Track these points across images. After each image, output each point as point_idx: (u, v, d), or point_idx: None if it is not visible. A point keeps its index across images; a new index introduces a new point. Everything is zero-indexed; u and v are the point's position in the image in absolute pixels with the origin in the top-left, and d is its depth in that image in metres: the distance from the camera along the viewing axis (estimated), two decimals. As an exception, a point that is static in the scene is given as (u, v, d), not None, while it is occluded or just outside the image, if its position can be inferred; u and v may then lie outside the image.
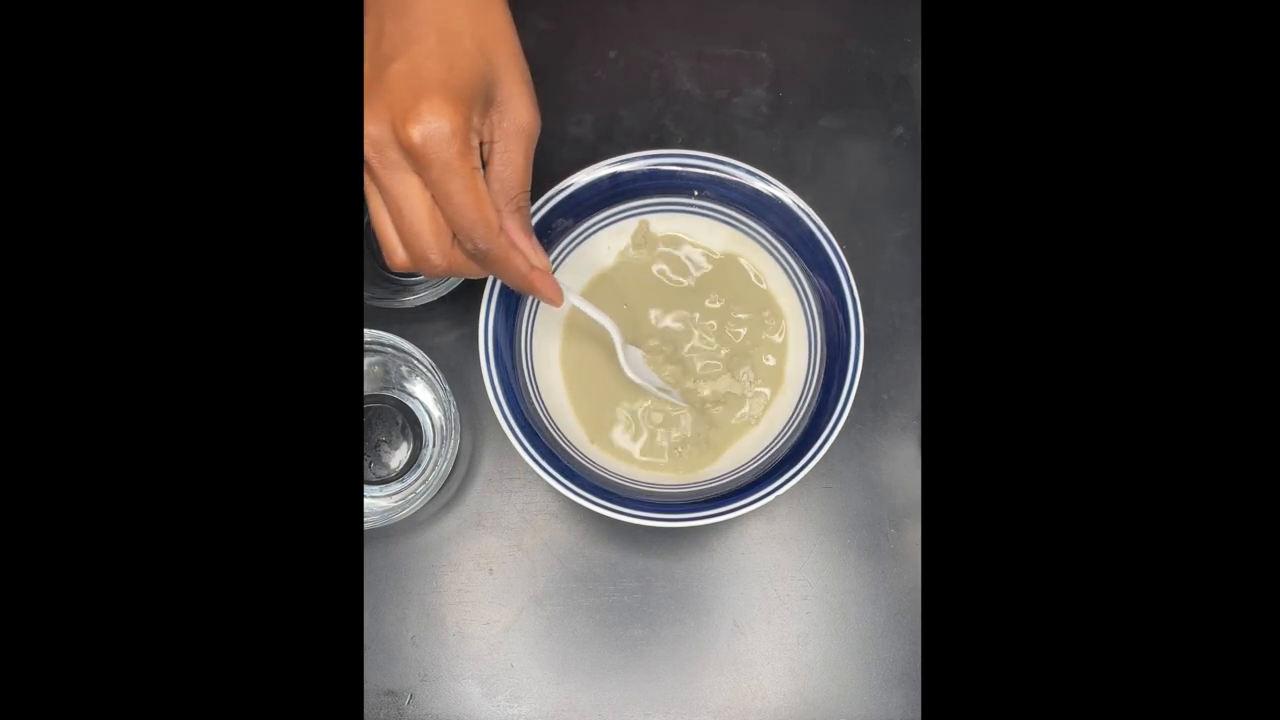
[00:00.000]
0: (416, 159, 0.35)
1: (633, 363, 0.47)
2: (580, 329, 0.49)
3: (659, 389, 0.48)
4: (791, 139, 0.54)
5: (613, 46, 0.55)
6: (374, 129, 0.35)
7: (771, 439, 0.47)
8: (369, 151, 0.36)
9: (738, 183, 0.47)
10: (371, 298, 0.48)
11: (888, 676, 0.49)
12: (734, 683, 0.49)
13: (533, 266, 0.41)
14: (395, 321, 0.50)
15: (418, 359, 0.47)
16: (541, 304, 0.48)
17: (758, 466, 0.46)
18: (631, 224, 0.49)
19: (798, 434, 0.46)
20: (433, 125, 0.35)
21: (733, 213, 0.48)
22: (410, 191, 0.36)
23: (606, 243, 0.49)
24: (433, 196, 0.37)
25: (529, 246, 0.40)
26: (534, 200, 0.47)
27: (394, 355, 0.48)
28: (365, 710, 0.48)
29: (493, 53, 0.38)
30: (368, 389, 0.51)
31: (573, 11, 0.56)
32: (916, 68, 0.55)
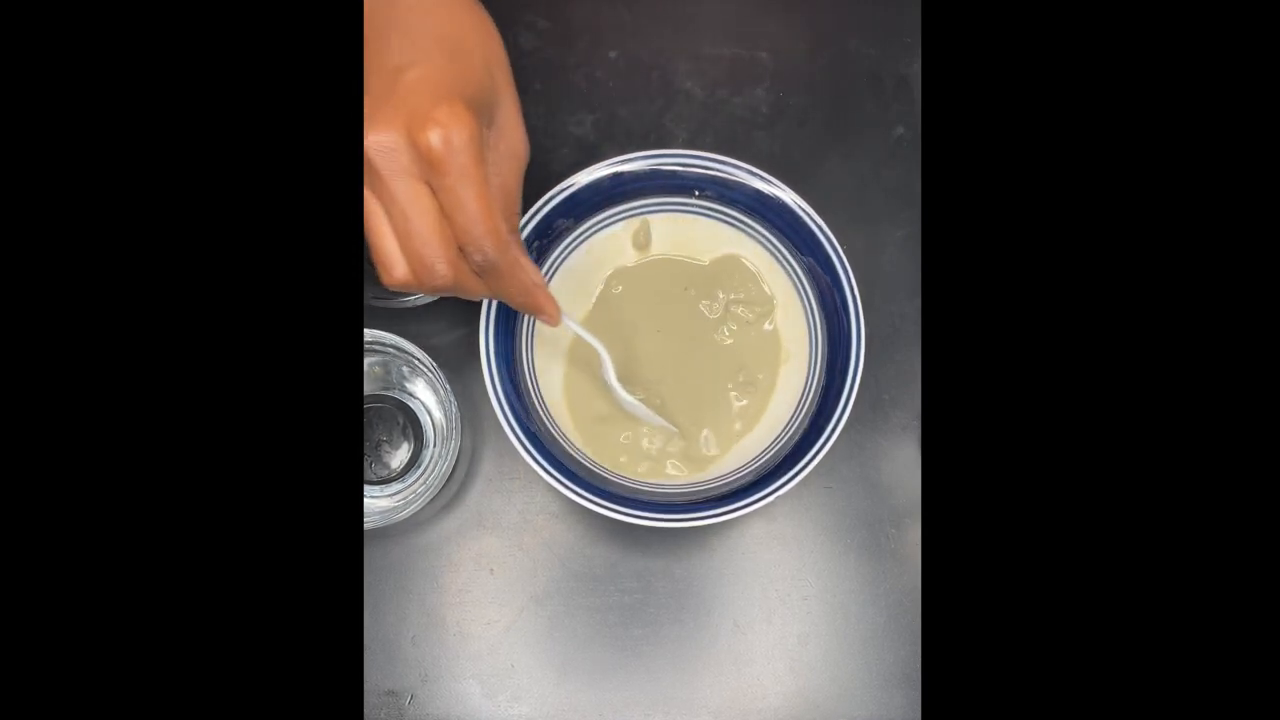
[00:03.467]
0: (432, 164, 0.35)
1: (620, 395, 0.47)
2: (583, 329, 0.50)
3: (648, 416, 0.48)
4: (791, 139, 0.54)
5: (613, 46, 0.55)
6: (385, 136, 0.34)
7: (771, 439, 0.47)
8: (378, 159, 0.35)
9: (738, 183, 0.47)
10: (371, 298, 0.48)
11: (888, 676, 0.49)
12: (734, 683, 0.49)
13: (534, 283, 0.40)
14: (395, 321, 0.50)
15: (418, 359, 0.47)
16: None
17: (758, 467, 0.46)
18: (632, 224, 0.49)
19: (798, 434, 0.46)
20: (452, 130, 0.34)
21: (733, 213, 0.48)
22: (419, 198, 0.35)
23: (604, 246, 0.49)
24: (442, 205, 0.36)
25: (529, 264, 0.40)
26: (534, 200, 0.47)
27: (394, 355, 0.48)
28: (365, 710, 0.48)
29: (496, 76, 0.39)
30: (368, 389, 0.51)
31: (573, 11, 0.56)
32: (916, 68, 0.55)
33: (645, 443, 0.48)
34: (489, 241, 0.36)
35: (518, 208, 0.40)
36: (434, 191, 0.36)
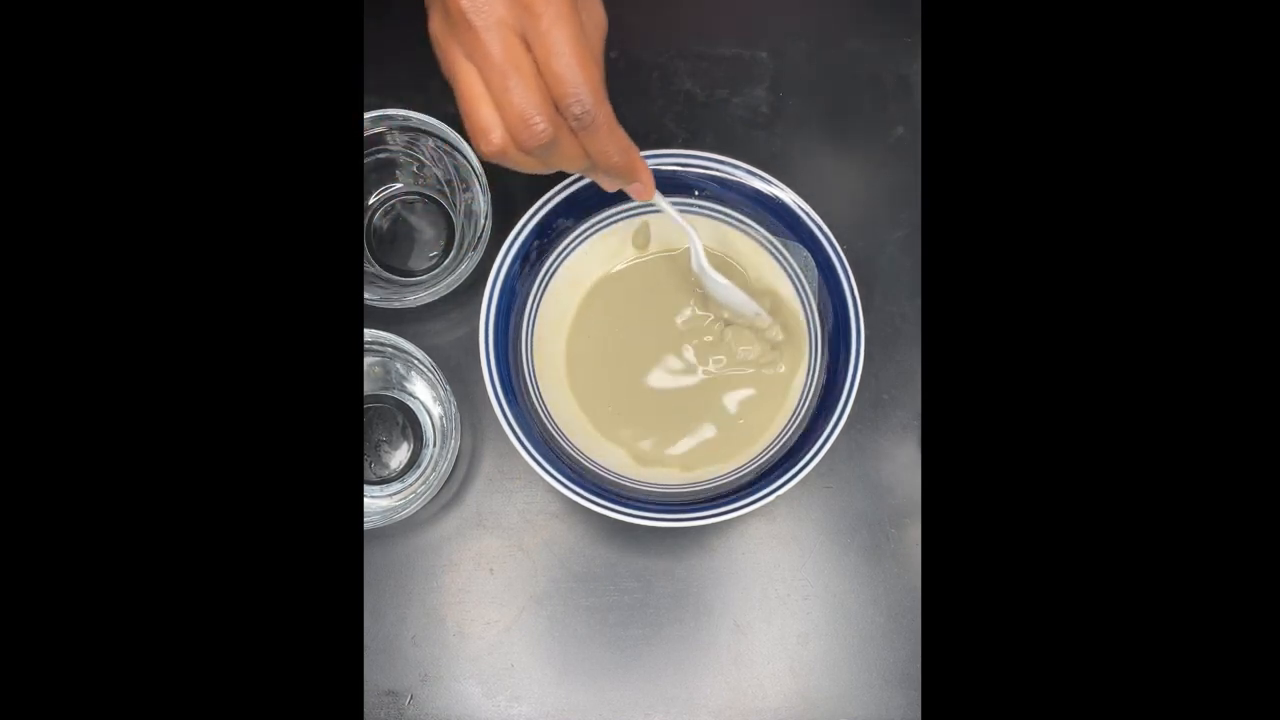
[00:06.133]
0: (528, 8, 0.34)
1: (712, 278, 0.47)
2: (583, 329, 0.50)
3: (741, 301, 0.47)
4: (791, 139, 0.54)
5: (613, 46, 0.55)
6: None
7: (772, 439, 0.47)
8: (472, 12, 0.34)
9: (738, 183, 0.47)
10: (371, 298, 0.48)
11: (888, 676, 0.49)
12: (734, 683, 0.49)
13: (631, 146, 0.39)
14: (395, 321, 0.50)
15: (418, 359, 0.47)
16: (543, 304, 0.48)
17: (758, 466, 0.46)
18: (632, 224, 0.49)
19: (798, 434, 0.46)
20: None
21: (733, 213, 0.48)
22: (516, 51, 0.35)
23: (604, 246, 0.49)
24: (537, 56, 0.35)
25: (623, 132, 0.39)
26: (534, 200, 0.47)
27: (394, 355, 0.48)
28: (365, 710, 0.48)
29: None
30: (368, 389, 0.51)
31: (573, 11, 0.56)
32: (916, 68, 0.55)
33: (644, 444, 0.48)
34: (586, 90, 0.36)
35: (604, 77, 0.39)
36: (529, 44, 0.35)
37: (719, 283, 0.47)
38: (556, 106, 0.36)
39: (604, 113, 0.37)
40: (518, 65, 0.35)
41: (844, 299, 0.46)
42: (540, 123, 0.35)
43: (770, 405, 0.49)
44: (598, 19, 0.39)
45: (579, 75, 0.35)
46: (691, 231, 0.46)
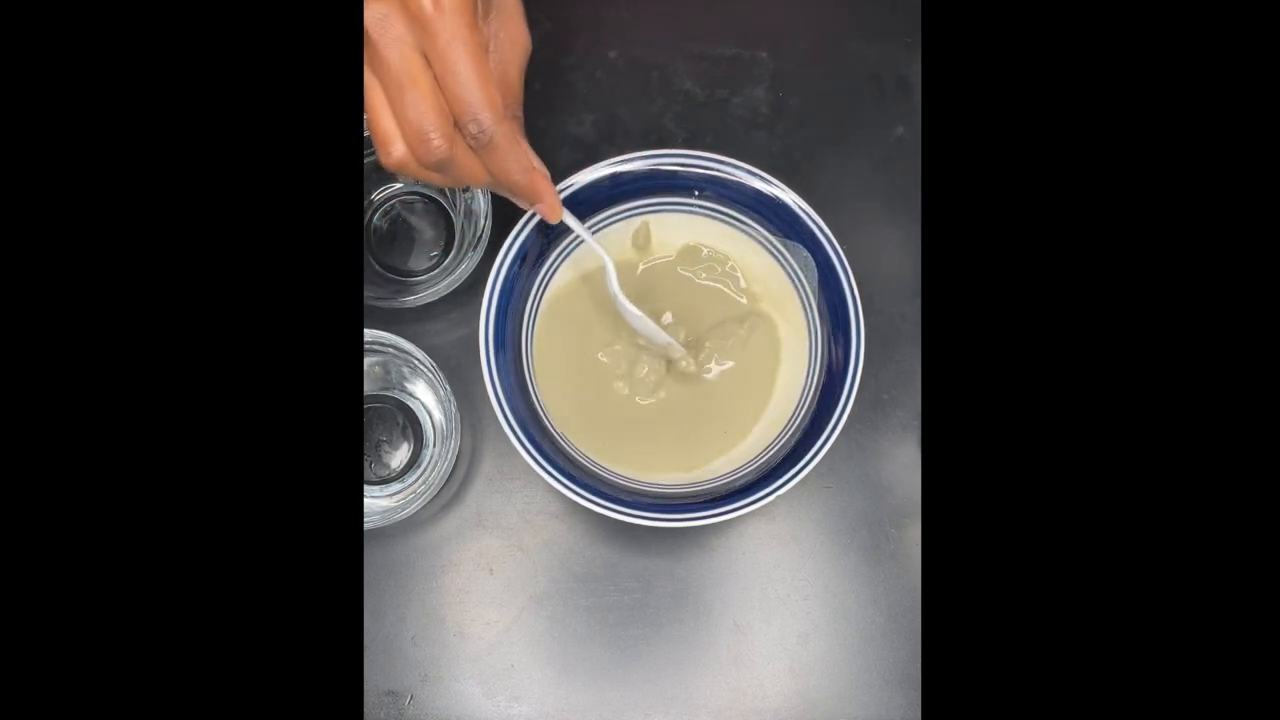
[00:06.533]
0: (424, 27, 0.34)
1: (625, 307, 0.47)
2: (577, 322, 0.50)
3: (653, 331, 0.47)
4: (791, 139, 0.54)
5: (613, 46, 0.55)
6: (380, 6, 0.34)
7: (772, 439, 0.47)
8: (373, 30, 0.34)
9: (738, 183, 0.47)
10: (371, 298, 0.48)
11: (888, 676, 0.49)
12: (734, 683, 0.49)
13: (534, 167, 0.39)
14: (395, 321, 0.50)
15: (418, 359, 0.47)
16: (544, 302, 0.48)
17: (758, 466, 0.46)
18: (632, 224, 0.49)
19: (798, 434, 0.46)
20: None
21: (733, 213, 0.48)
22: (414, 67, 0.35)
23: (604, 246, 0.49)
24: (436, 74, 0.35)
25: (529, 150, 0.39)
26: (534, 200, 0.47)
27: (394, 355, 0.48)
28: (365, 710, 0.48)
29: None
30: (368, 389, 0.51)
31: (573, 11, 0.56)
32: (916, 68, 0.55)
33: (643, 443, 0.48)
34: (484, 111, 0.36)
35: (519, 96, 0.40)
36: (429, 62, 0.35)
37: (631, 312, 0.46)
38: (456, 124, 0.36)
39: (503, 131, 0.37)
40: (414, 80, 0.35)
41: (844, 299, 0.46)
42: (436, 138, 0.36)
43: (770, 404, 0.49)
44: (516, 37, 0.39)
45: (477, 94, 0.35)
46: (606, 257, 0.46)
